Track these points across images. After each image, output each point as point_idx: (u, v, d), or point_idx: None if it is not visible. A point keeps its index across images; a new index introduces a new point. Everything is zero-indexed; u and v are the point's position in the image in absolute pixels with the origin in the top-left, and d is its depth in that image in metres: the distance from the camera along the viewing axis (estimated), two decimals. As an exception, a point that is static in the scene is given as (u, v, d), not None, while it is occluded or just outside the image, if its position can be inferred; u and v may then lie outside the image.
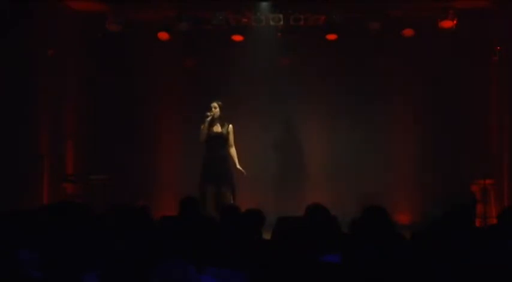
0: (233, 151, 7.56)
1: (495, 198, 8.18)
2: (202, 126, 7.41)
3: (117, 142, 8.94)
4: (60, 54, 8.32)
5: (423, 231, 3.72)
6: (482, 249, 3.42)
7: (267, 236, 4.35)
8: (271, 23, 8.49)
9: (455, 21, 8.33)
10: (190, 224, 3.89)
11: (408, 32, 8.65)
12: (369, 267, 3.11)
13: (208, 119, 7.38)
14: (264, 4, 8.51)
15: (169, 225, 4.33)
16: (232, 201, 7.24)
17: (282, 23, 8.47)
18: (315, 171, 9.16)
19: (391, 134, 9.13)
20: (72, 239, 3.51)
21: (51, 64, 8.17)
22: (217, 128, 7.46)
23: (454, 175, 8.63)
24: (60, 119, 8.54)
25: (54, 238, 3.52)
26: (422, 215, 8.43)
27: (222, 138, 7.46)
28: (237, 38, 8.86)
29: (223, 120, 7.48)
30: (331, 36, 8.75)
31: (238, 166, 7.53)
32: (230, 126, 7.51)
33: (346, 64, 9.05)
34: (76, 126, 8.87)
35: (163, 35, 8.76)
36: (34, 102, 7.89)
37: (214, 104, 7.43)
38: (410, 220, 8.50)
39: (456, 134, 8.77)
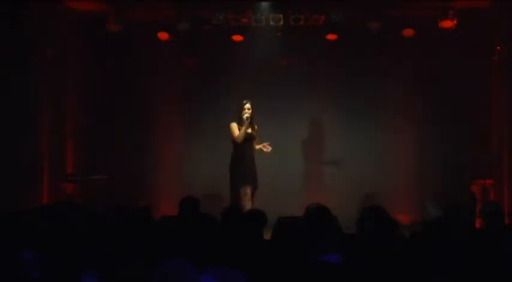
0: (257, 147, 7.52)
1: (495, 198, 8.17)
2: (243, 127, 7.22)
3: (117, 142, 8.94)
4: (60, 54, 8.32)
5: (423, 231, 3.72)
6: (482, 249, 3.42)
7: (267, 236, 4.34)
8: (271, 23, 8.47)
9: (455, 21, 8.33)
10: (190, 224, 3.89)
11: (408, 32, 8.66)
12: (369, 267, 3.11)
13: (249, 120, 7.25)
14: (264, 4, 8.49)
15: (169, 225, 4.33)
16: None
17: (282, 23, 8.46)
18: (315, 171, 9.15)
19: (390, 134, 9.11)
20: (72, 239, 3.52)
21: (51, 64, 8.17)
22: (249, 130, 7.36)
23: (454, 175, 8.63)
24: (60, 119, 8.54)
25: (54, 238, 3.52)
26: (418, 214, 8.42)
27: (252, 139, 7.41)
28: (237, 38, 8.86)
29: (253, 121, 7.43)
30: (331, 36, 8.76)
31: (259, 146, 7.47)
32: (256, 127, 7.47)
33: (346, 64, 9.03)
34: (76, 126, 8.86)
35: (163, 35, 8.76)
36: (34, 102, 7.89)
37: (248, 105, 7.30)
38: (410, 220, 8.48)
39: (456, 134, 8.76)
